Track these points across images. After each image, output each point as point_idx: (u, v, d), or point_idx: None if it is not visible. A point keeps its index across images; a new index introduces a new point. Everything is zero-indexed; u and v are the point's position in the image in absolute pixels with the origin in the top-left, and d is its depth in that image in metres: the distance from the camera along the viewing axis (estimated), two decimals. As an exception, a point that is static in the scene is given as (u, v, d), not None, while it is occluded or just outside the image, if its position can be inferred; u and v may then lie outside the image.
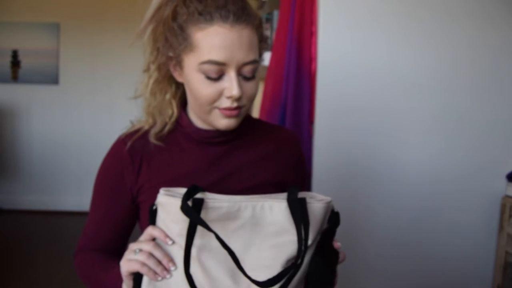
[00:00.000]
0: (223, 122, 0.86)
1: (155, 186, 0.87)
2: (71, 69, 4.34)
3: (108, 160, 0.94)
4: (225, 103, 0.83)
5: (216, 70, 0.80)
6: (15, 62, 4.30)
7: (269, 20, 2.25)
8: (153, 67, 0.89)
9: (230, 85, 0.81)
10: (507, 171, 1.72)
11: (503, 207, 1.71)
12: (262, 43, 0.87)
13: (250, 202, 0.77)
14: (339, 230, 0.84)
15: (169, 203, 0.76)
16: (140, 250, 0.78)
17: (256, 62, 0.83)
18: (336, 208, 0.85)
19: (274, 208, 0.77)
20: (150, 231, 0.79)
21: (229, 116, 0.85)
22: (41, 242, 3.44)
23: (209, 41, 0.79)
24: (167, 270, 0.77)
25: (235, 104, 0.83)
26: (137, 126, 0.94)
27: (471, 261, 1.76)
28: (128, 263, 0.78)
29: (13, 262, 3.00)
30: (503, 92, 1.72)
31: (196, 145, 0.92)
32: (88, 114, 4.36)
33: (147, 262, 0.77)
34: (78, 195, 4.18)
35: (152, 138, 0.91)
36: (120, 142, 0.93)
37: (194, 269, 0.75)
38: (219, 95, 0.83)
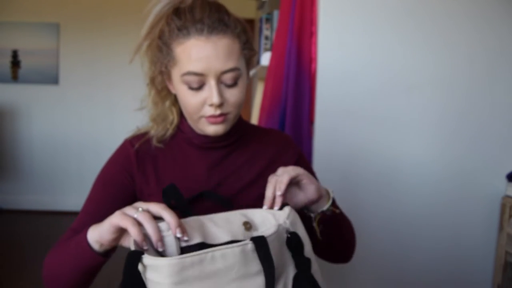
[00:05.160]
0: (210, 129, 0.89)
1: (160, 189, 0.89)
2: (71, 69, 4.34)
3: (116, 156, 0.97)
4: (209, 111, 0.86)
5: (197, 81, 0.84)
6: (15, 62, 4.31)
7: (269, 20, 2.25)
8: (152, 81, 0.93)
9: (210, 93, 0.85)
10: (507, 171, 1.72)
11: (503, 207, 1.71)
12: (247, 50, 0.89)
13: (197, 256, 0.67)
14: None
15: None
16: (143, 211, 0.72)
17: (237, 69, 0.85)
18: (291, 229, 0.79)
19: (227, 255, 0.69)
20: (164, 209, 0.73)
21: (214, 123, 0.88)
22: (41, 242, 3.44)
23: (187, 54, 0.84)
24: (161, 242, 0.72)
25: (218, 112, 0.86)
26: (142, 130, 0.99)
27: (471, 261, 1.76)
28: (122, 216, 0.72)
29: (13, 262, 3.00)
30: (503, 92, 1.72)
31: (197, 150, 0.96)
32: (88, 114, 4.36)
33: (145, 224, 0.71)
34: (78, 195, 4.16)
35: (154, 142, 0.96)
36: (128, 143, 0.97)
37: None
38: (203, 104, 0.86)
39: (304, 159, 1.05)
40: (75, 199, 4.24)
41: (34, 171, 4.37)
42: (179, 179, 0.93)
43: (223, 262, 0.68)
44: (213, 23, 0.83)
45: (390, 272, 1.76)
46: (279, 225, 0.77)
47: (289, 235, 0.78)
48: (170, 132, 0.97)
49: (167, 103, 0.96)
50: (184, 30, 0.83)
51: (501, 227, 1.72)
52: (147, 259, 0.67)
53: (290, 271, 0.77)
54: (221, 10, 0.86)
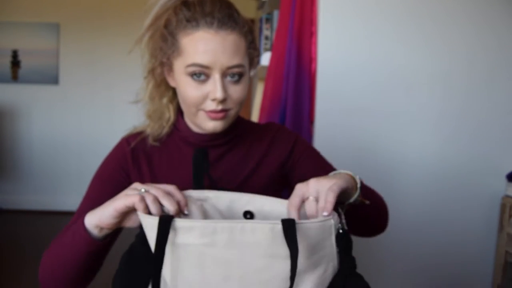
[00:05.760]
0: (209, 124, 0.88)
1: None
2: (71, 69, 4.34)
3: (113, 155, 0.98)
4: (210, 105, 0.86)
5: (201, 73, 0.84)
6: (15, 62, 4.30)
7: (269, 20, 2.26)
8: (151, 73, 0.92)
9: (214, 87, 0.84)
10: (507, 171, 1.72)
11: (503, 207, 1.71)
12: (251, 50, 0.90)
13: (228, 223, 0.68)
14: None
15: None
16: (146, 192, 0.73)
17: (242, 66, 0.85)
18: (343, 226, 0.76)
19: (257, 230, 0.68)
20: (171, 188, 0.75)
21: (215, 119, 0.87)
22: (41, 242, 3.43)
23: (194, 45, 0.83)
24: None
25: (219, 107, 0.85)
26: (139, 129, 0.98)
27: (471, 261, 1.76)
28: (126, 197, 0.73)
29: (13, 262, 3.00)
30: (502, 92, 1.72)
31: (193, 149, 0.94)
32: (87, 114, 4.36)
33: (149, 203, 0.72)
34: (78, 195, 4.14)
35: (150, 140, 0.95)
36: (124, 141, 0.97)
37: None
38: (205, 97, 0.85)
39: (302, 142, 1.03)
40: (75, 199, 4.21)
41: (34, 171, 4.37)
42: (175, 177, 0.93)
43: (252, 236, 0.68)
44: (223, 18, 0.83)
45: (389, 271, 1.76)
46: (327, 217, 0.74)
47: (341, 231, 0.76)
48: (166, 130, 0.96)
49: (164, 100, 0.95)
50: (193, 22, 0.83)
51: (501, 227, 1.72)
52: (180, 222, 0.68)
53: (330, 267, 0.75)
54: (231, 7, 0.87)
